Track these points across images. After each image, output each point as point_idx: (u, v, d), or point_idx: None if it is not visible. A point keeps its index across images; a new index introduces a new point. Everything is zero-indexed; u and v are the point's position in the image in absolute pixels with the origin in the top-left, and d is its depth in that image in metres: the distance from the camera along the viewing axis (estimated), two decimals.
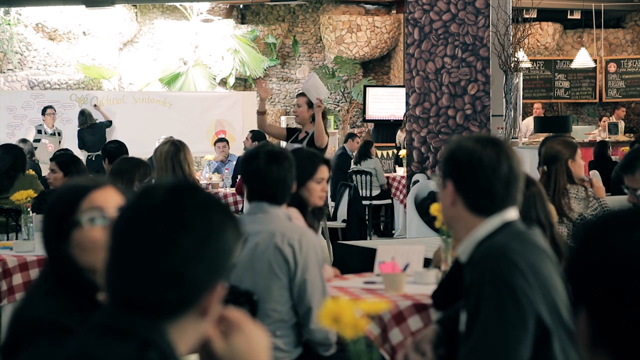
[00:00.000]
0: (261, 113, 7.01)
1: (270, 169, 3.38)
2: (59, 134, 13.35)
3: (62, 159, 5.97)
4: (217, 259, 1.43)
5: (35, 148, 11.90)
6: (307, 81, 6.91)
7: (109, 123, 14.01)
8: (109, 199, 2.08)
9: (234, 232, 1.46)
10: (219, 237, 1.43)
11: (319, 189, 3.90)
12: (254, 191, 3.45)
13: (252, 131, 10.54)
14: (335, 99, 16.88)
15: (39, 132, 13.16)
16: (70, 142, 12.93)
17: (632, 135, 14.65)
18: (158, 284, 1.39)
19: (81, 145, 13.08)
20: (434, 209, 3.38)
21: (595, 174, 8.87)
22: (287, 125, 14.65)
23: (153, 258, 1.39)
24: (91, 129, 13.29)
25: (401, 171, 11.48)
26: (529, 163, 8.50)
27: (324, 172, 3.91)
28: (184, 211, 1.42)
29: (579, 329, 1.17)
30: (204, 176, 11.17)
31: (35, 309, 1.99)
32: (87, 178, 2.16)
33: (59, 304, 1.98)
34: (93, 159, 12.54)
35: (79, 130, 13.29)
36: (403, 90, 10.37)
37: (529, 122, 14.33)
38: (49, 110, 13.33)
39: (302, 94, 6.87)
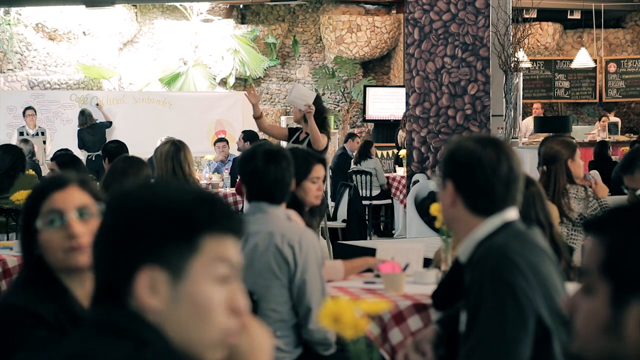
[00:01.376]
0: (257, 118, 7.04)
1: (268, 168, 3.39)
2: (43, 133, 13.31)
3: (62, 159, 5.98)
4: (140, 243, 1.37)
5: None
6: (290, 93, 6.96)
7: (108, 124, 14.01)
8: (69, 200, 2.09)
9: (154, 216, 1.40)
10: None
11: (314, 189, 3.89)
12: (253, 191, 3.46)
13: (244, 132, 10.56)
14: (335, 99, 16.88)
15: (21, 134, 13.12)
16: (70, 142, 12.92)
17: (632, 135, 14.65)
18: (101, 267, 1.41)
19: (81, 145, 13.08)
20: (434, 209, 3.38)
21: (595, 174, 8.87)
22: (287, 125, 14.66)
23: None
24: (91, 129, 13.29)
25: (401, 171, 11.48)
26: (529, 163, 8.50)
27: (319, 171, 3.91)
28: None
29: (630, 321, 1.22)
30: (204, 176, 11.17)
31: (7, 299, 2.08)
32: (51, 178, 2.17)
33: (32, 294, 2.04)
34: (93, 159, 12.54)
35: (78, 130, 13.29)
36: (403, 90, 10.38)
37: (529, 122, 14.32)
38: (28, 112, 13.28)
39: None
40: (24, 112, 13.32)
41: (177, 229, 1.36)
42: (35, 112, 13.44)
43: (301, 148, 4.47)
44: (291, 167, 3.45)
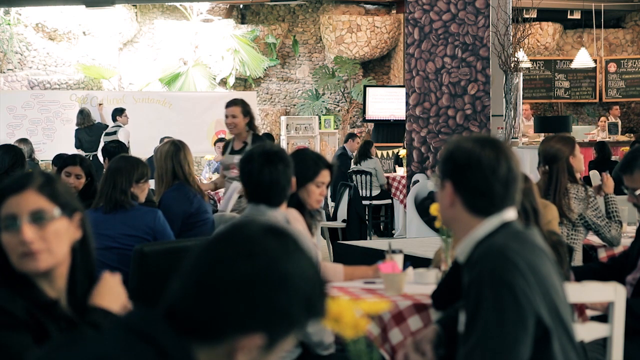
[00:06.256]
0: None
1: (264, 171, 3.42)
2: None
3: (88, 162, 5.88)
4: (267, 311, 1.38)
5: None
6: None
7: (106, 126, 13.96)
8: (24, 205, 2.03)
9: (305, 304, 1.41)
10: (278, 292, 1.39)
11: (317, 193, 3.89)
12: (250, 194, 3.50)
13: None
14: (335, 99, 16.88)
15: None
16: (71, 142, 12.93)
17: (632, 135, 14.66)
18: (197, 299, 1.39)
19: (78, 145, 13.01)
20: (434, 209, 3.38)
21: (594, 175, 8.88)
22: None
23: (208, 273, 1.40)
24: (89, 130, 13.21)
25: (401, 171, 11.49)
26: (528, 163, 8.51)
27: (325, 176, 3.92)
28: (254, 245, 1.41)
29: None
30: (204, 176, 11.17)
31: None
32: (9, 180, 2.12)
33: (1, 292, 2.02)
34: (90, 159, 12.50)
35: (76, 130, 13.18)
36: (403, 90, 10.38)
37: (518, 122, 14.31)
38: (125, 112, 13.17)
39: (234, 103, 6.52)
40: (122, 112, 13.05)
41: (302, 313, 1.41)
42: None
43: (312, 150, 4.47)
44: (289, 170, 3.47)
